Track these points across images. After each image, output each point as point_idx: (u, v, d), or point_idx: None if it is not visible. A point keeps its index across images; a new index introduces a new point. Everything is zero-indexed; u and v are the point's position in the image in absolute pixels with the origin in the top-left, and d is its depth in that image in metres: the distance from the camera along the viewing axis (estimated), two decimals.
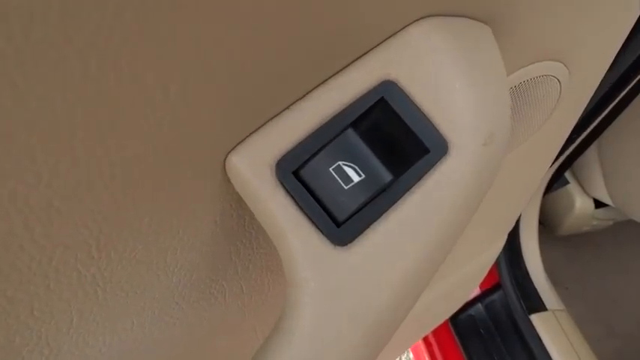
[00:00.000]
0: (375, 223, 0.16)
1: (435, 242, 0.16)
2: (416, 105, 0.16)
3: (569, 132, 0.33)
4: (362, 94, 0.16)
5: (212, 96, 0.14)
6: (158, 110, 0.13)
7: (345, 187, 0.15)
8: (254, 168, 0.16)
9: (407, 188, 0.16)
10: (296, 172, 0.16)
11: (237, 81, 0.14)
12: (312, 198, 0.16)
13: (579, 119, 0.53)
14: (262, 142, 0.16)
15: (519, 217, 0.74)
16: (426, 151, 0.15)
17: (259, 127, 0.16)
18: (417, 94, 0.16)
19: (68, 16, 0.10)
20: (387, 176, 0.15)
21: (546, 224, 0.90)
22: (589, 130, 0.62)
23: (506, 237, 0.46)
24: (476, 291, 0.77)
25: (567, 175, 0.83)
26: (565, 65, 0.24)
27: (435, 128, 0.16)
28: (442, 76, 0.16)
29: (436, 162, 0.16)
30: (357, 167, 0.15)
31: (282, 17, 0.13)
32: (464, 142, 0.16)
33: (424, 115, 0.16)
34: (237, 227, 0.20)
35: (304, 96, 0.16)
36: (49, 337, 0.16)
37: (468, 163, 0.16)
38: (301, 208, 0.16)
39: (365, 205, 0.16)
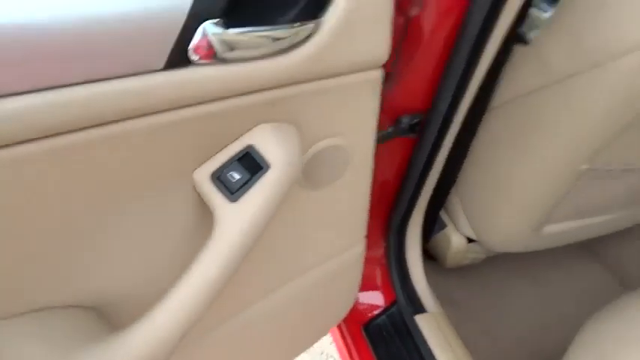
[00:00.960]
0: (245, 194, 0.45)
1: (266, 204, 0.45)
2: (258, 152, 0.46)
3: (370, 174, 0.63)
4: (240, 151, 0.46)
5: (192, 151, 0.44)
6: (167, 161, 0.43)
7: (233, 181, 0.45)
8: (202, 178, 0.45)
9: (255, 183, 0.45)
10: (216, 176, 0.45)
11: (203, 151, 0.44)
12: (222, 184, 0.45)
13: (416, 175, 0.84)
14: (205, 168, 0.46)
15: (405, 248, 1.03)
16: (261, 167, 0.45)
17: (204, 162, 0.46)
18: (260, 148, 0.46)
19: None
20: (247, 177, 0.45)
21: (437, 259, 1.19)
22: (439, 177, 0.92)
23: (363, 243, 0.75)
24: (383, 306, 1.04)
25: (446, 219, 1.13)
26: (343, 137, 0.55)
27: (265, 160, 0.46)
28: (268, 143, 0.46)
29: (265, 172, 0.45)
30: (238, 173, 0.45)
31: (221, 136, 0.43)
32: (277, 165, 0.46)
33: (262, 156, 0.46)
34: (193, 209, 0.48)
35: (220, 151, 0.46)
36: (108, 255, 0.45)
37: (279, 174, 0.46)
38: (219, 189, 0.45)
39: (241, 187, 0.45)
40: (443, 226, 1.13)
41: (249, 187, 0.45)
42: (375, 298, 1.01)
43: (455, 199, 1.06)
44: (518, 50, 0.74)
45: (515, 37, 0.71)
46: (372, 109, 0.55)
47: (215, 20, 0.38)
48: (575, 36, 0.64)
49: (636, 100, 0.64)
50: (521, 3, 0.63)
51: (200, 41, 0.38)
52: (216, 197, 0.45)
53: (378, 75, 0.51)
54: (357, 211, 0.66)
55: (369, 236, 0.98)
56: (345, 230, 0.68)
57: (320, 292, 0.73)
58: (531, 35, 0.71)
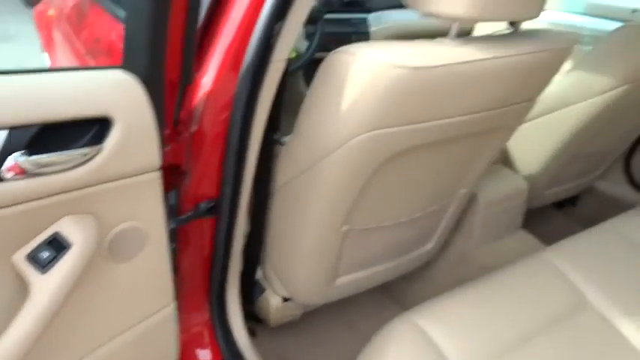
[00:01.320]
0: (52, 267, 0.63)
1: (69, 273, 0.64)
2: (63, 236, 0.65)
3: (166, 248, 0.84)
4: (49, 236, 0.65)
5: (11, 239, 0.61)
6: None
7: (44, 258, 0.63)
8: (19, 259, 0.63)
9: (60, 258, 0.64)
10: (31, 256, 0.63)
11: (20, 238, 0.62)
12: (35, 262, 0.63)
13: (222, 248, 1.07)
14: (21, 251, 0.63)
15: (226, 310, 1.23)
16: (64, 247, 0.64)
17: (21, 247, 0.64)
18: (64, 233, 0.65)
19: None
20: (54, 254, 0.64)
21: (263, 321, 1.40)
22: (246, 247, 1.16)
23: (172, 306, 0.94)
24: None
25: (264, 283, 1.36)
26: (138, 221, 0.76)
27: (68, 241, 0.65)
28: (71, 229, 0.66)
29: (68, 250, 0.64)
30: (47, 252, 0.64)
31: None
32: (77, 244, 0.65)
33: (66, 239, 0.65)
34: (14, 284, 0.65)
35: (33, 238, 0.64)
36: None
37: (79, 250, 0.65)
38: (32, 266, 0.63)
39: (49, 262, 0.63)
40: (262, 290, 1.36)
41: (56, 262, 0.64)
42: (204, 357, 1.18)
43: (268, 265, 1.30)
44: (280, 149, 1.04)
45: (273, 140, 1.01)
46: (158, 199, 0.78)
47: (22, 151, 0.59)
48: (306, 140, 0.96)
49: (350, 182, 0.96)
50: (267, 119, 0.93)
51: (12, 165, 0.59)
52: (30, 272, 0.63)
53: (156, 176, 0.75)
54: (160, 277, 0.86)
55: (195, 302, 1.17)
56: (153, 295, 0.87)
57: (138, 351, 0.89)
58: (283, 140, 1.02)
